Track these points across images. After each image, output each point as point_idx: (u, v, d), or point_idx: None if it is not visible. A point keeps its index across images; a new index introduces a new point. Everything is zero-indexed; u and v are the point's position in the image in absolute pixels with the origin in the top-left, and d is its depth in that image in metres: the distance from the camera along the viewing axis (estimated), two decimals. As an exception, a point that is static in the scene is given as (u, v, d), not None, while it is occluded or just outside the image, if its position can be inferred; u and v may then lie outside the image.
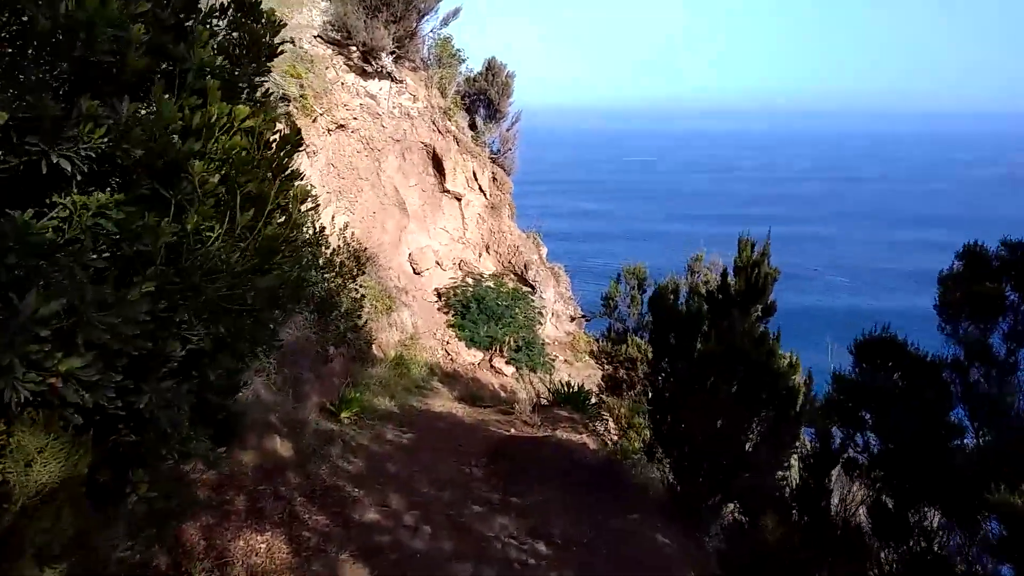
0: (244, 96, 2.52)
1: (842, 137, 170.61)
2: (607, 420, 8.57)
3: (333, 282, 7.98)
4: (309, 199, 2.80)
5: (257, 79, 2.57)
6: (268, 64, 2.65)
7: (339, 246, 7.93)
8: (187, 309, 2.05)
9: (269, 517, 4.19)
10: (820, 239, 53.78)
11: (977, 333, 3.08)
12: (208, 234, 2.08)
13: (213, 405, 3.07)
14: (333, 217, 10.80)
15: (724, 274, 5.20)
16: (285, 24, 2.77)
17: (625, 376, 7.51)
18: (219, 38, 2.51)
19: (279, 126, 2.53)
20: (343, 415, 7.71)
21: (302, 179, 2.62)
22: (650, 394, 5.35)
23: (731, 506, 4.72)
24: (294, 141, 2.55)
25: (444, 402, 10.45)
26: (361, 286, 7.95)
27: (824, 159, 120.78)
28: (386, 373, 10.75)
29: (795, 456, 4.23)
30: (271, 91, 2.82)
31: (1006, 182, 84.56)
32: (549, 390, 9.61)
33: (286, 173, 2.45)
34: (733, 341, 4.43)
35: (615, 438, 7.32)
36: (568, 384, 9.46)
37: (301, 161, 12.61)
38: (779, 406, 4.53)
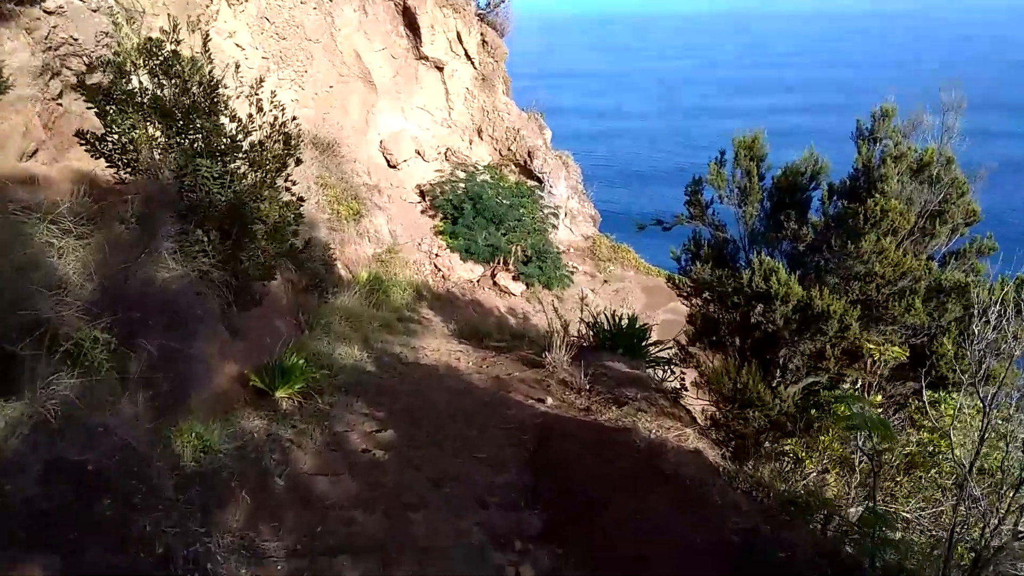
0: None
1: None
2: (683, 377, 5.84)
3: (247, 178, 4.87)
4: None
5: None
6: None
7: (251, 116, 4.75)
8: None
9: None
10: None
11: None
12: None
13: None
14: (274, 94, 7.27)
15: None
16: None
17: (725, 319, 4.70)
18: None
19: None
20: (279, 394, 4.87)
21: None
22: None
23: None
24: None
25: (438, 343, 7.62)
26: (293, 183, 4.84)
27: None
28: (356, 303, 7.86)
29: None
30: None
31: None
32: (588, 324, 6.81)
33: None
34: None
35: (719, 417, 4.64)
36: (614, 316, 6.65)
37: (220, 7, 8.90)
38: None
